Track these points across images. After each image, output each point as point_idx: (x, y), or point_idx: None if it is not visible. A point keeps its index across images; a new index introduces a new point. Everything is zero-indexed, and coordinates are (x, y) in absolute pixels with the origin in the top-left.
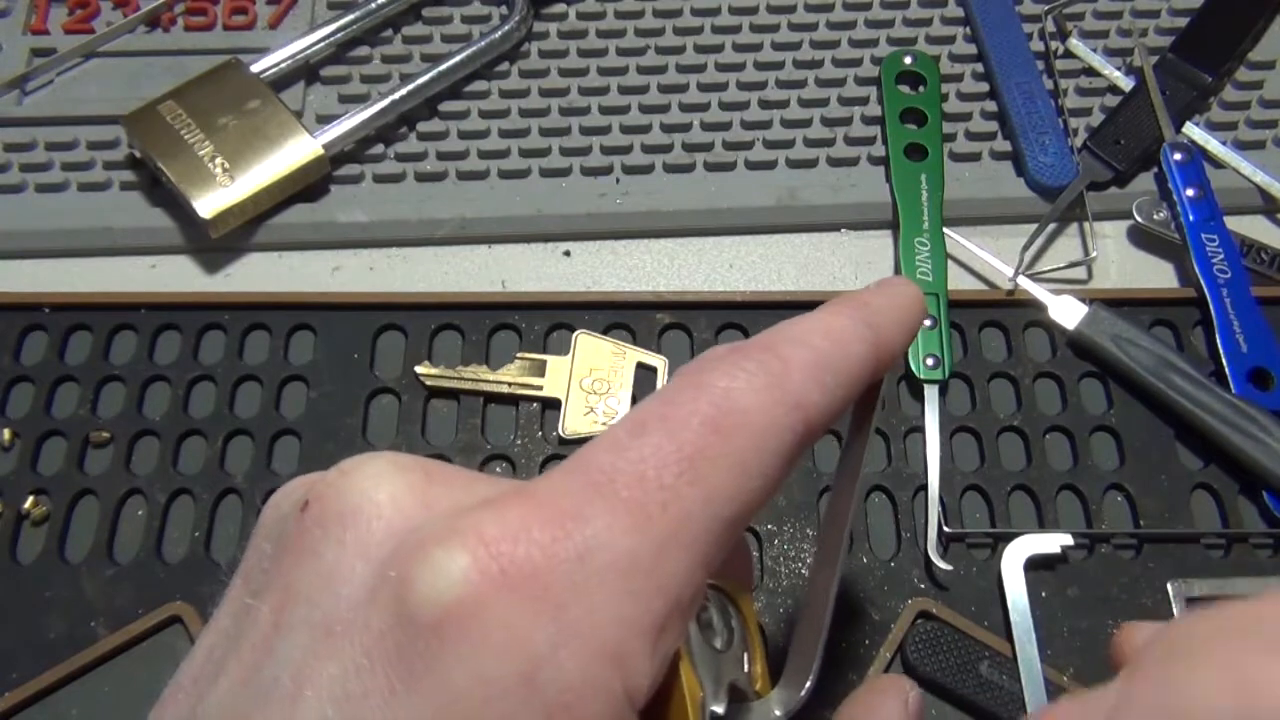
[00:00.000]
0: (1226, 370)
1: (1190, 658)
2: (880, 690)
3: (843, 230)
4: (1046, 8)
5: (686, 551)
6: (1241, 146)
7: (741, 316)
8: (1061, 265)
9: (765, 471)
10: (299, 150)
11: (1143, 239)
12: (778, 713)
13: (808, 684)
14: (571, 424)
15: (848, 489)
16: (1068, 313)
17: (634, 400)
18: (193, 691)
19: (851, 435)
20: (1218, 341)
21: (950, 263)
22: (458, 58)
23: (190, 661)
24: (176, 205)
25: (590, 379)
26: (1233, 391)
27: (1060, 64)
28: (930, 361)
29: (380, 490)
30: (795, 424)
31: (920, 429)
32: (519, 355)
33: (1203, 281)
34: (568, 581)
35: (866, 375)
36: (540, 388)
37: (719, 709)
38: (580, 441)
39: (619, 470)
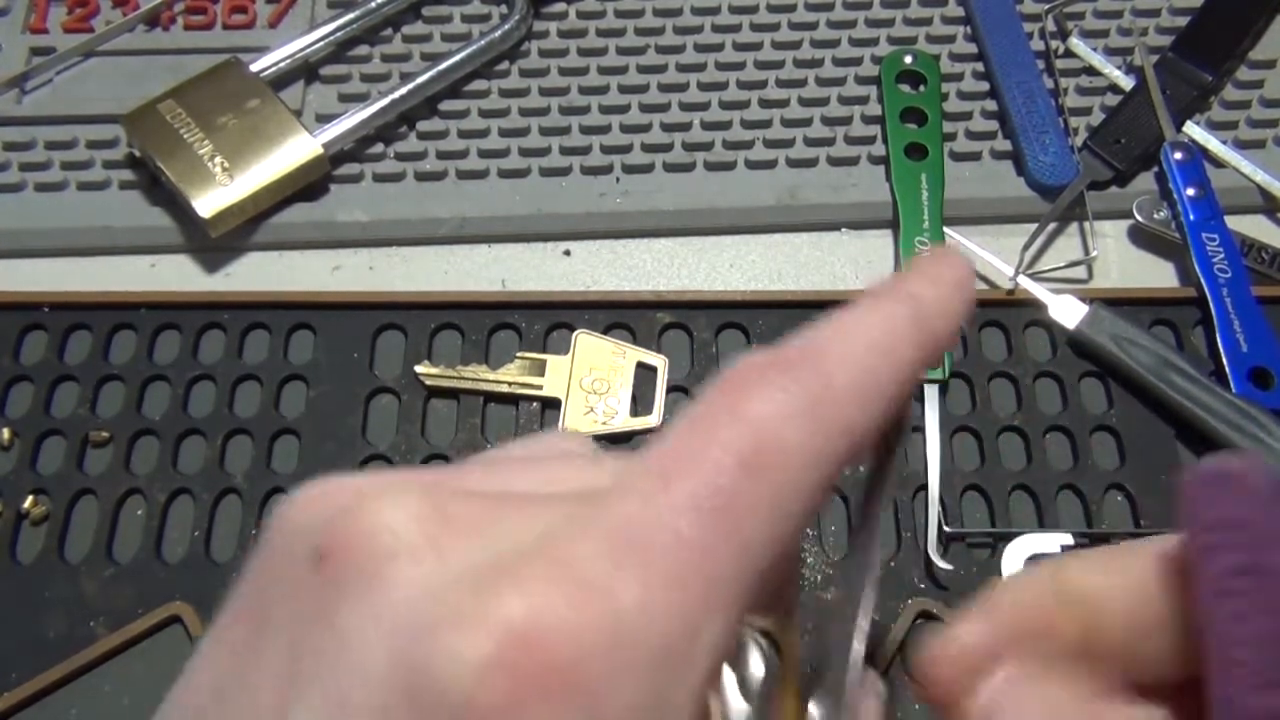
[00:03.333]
0: (1227, 370)
1: None
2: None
3: (843, 230)
4: (1047, 7)
5: (721, 616)
6: (1242, 145)
7: (741, 316)
8: (1061, 265)
9: (803, 509)
10: (299, 149)
11: (1143, 238)
12: None
13: None
14: (571, 423)
15: (873, 525)
16: (1068, 312)
17: (634, 400)
18: None
19: (879, 455)
20: (1218, 341)
21: None
22: (458, 57)
23: (181, 711)
24: (176, 205)
25: (590, 378)
26: (1233, 391)
27: (1060, 63)
28: None
29: (400, 542)
30: (838, 453)
31: (920, 429)
32: (519, 355)
33: (1203, 281)
34: (600, 670)
35: (912, 383)
36: (540, 387)
37: None
38: None
39: (649, 529)
